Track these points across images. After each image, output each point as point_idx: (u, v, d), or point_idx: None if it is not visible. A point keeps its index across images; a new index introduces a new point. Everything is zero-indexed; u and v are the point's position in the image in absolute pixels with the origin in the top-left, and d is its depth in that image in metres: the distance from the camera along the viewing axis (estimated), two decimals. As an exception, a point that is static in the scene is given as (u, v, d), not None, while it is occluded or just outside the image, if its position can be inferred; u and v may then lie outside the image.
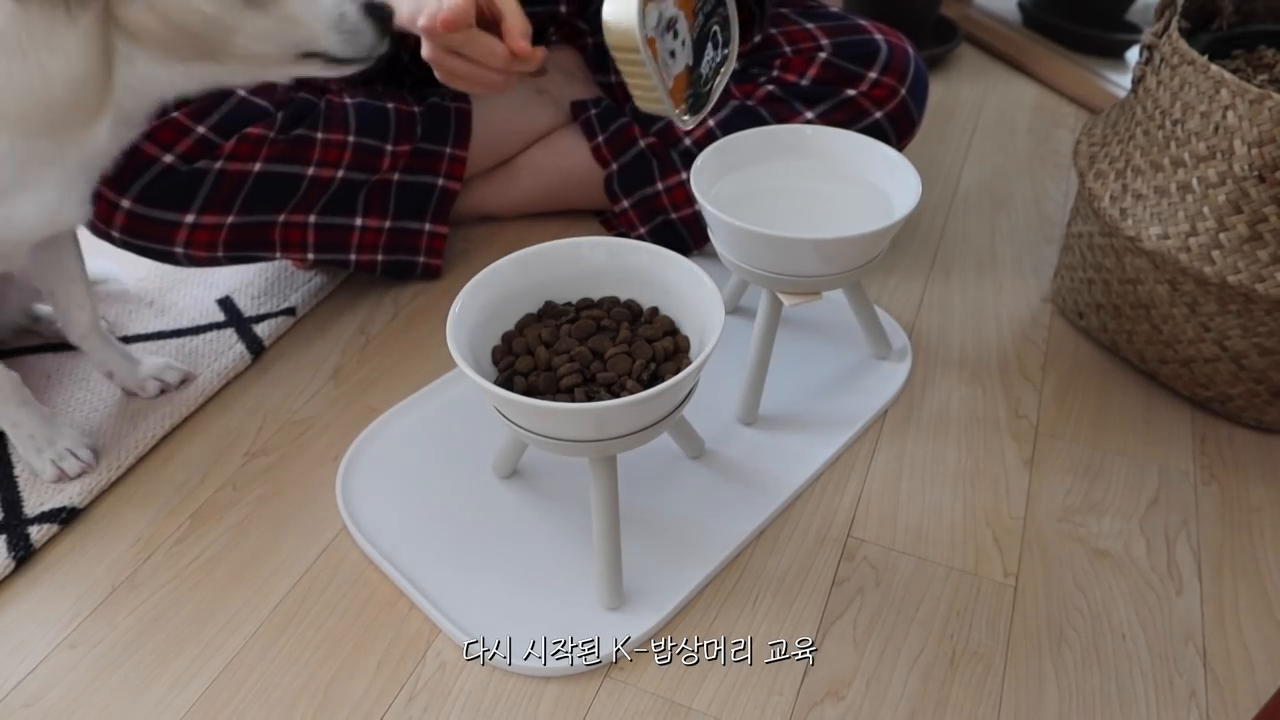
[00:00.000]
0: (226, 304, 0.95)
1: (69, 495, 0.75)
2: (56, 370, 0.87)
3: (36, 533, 0.72)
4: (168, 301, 0.96)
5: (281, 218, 0.88)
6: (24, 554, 0.71)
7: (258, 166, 0.85)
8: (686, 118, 0.55)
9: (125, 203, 0.81)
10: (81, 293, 0.79)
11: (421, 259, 0.98)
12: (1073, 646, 0.66)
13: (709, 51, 0.56)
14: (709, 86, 0.55)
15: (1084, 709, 0.63)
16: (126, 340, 0.91)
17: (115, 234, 0.83)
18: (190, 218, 0.84)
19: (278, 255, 0.91)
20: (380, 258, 0.95)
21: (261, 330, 0.91)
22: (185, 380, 0.85)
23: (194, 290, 0.97)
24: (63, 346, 0.89)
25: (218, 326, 0.92)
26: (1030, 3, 1.48)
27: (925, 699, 0.63)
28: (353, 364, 0.90)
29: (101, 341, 0.82)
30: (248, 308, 0.94)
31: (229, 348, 0.89)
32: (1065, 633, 0.67)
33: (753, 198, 0.78)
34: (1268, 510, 0.76)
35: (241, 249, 0.88)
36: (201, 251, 0.86)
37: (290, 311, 0.94)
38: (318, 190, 0.89)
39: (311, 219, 0.90)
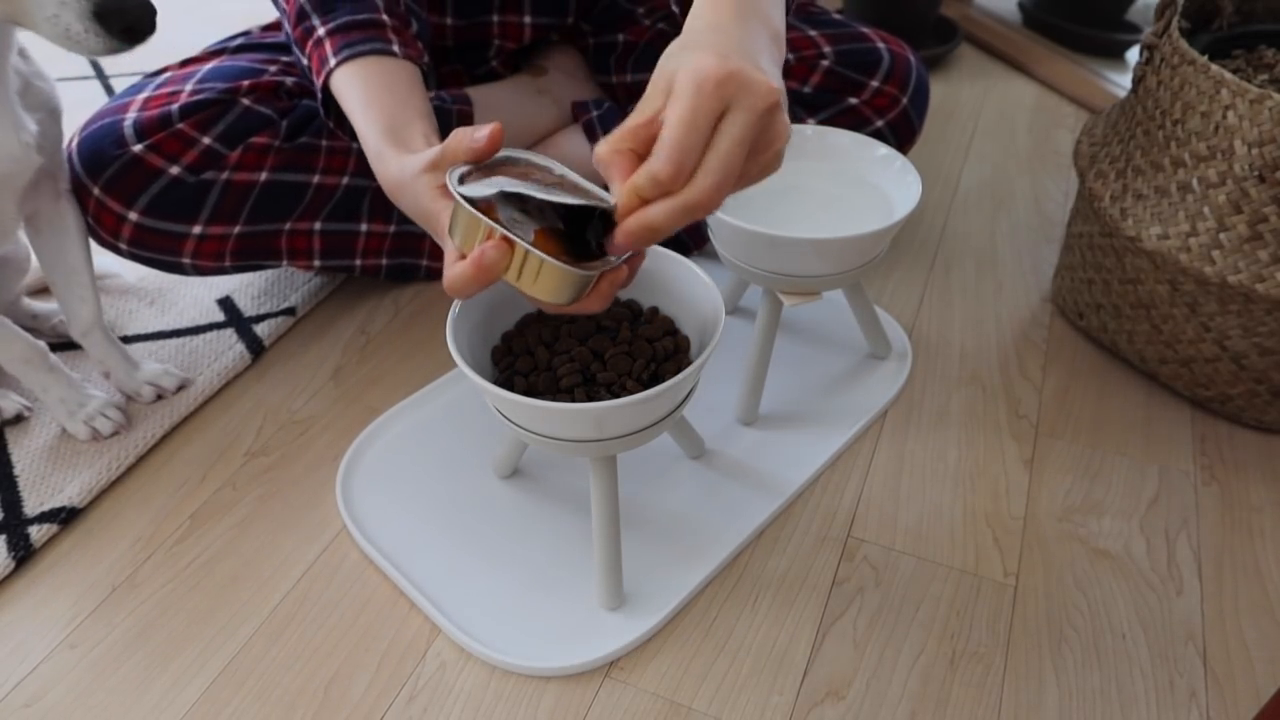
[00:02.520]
0: (226, 304, 0.95)
1: (69, 495, 0.75)
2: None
3: (36, 533, 0.72)
4: (168, 301, 0.96)
5: (288, 225, 0.88)
6: (24, 554, 0.71)
7: (264, 176, 0.85)
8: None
9: (132, 215, 0.81)
10: (84, 286, 0.79)
11: (425, 262, 0.98)
12: (1073, 646, 0.66)
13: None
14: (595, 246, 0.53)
15: (1084, 709, 0.63)
16: (126, 340, 0.91)
17: (123, 246, 0.83)
18: (197, 229, 0.84)
19: (284, 263, 0.91)
20: (385, 262, 0.95)
21: (261, 330, 0.91)
22: (182, 386, 0.85)
23: (194, 290, 0.97)
24: (61, 345, 0.89)
25: (218, 326, 0.92)
26: (1030, 3, 1.48)
27: (925, 699, 0.63)
28: (353, 364, 0.90)
29: (103, 339, 0.82)
30: (248, 308, 0.94)
31: (229, 348, 0.89)
32: (1065, 633, 0.67)
33: (753, 198, 0.78)
34: (1268, 510, 0.76)
35: (248, 258, 0.88)
36: (209, 262, 0.86)
37: (290, 311, 0.94)
38: (323, 197, 0.89)
39: (317, 226, 0.90)
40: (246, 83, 0.86)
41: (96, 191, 0.80)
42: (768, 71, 0.49)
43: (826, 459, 0.79)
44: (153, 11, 0.60)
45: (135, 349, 0.89)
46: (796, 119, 0.94)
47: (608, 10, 1.02)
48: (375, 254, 0.94)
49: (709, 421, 0.81)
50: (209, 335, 0.91)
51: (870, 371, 0.87)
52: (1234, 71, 0.82)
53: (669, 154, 0.46)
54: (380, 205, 0.93)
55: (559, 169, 0.55)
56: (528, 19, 0.95)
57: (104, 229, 0.81)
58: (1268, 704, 0.57)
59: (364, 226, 0.93)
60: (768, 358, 0.79)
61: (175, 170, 0.81)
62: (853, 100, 0.93)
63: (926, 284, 0.99)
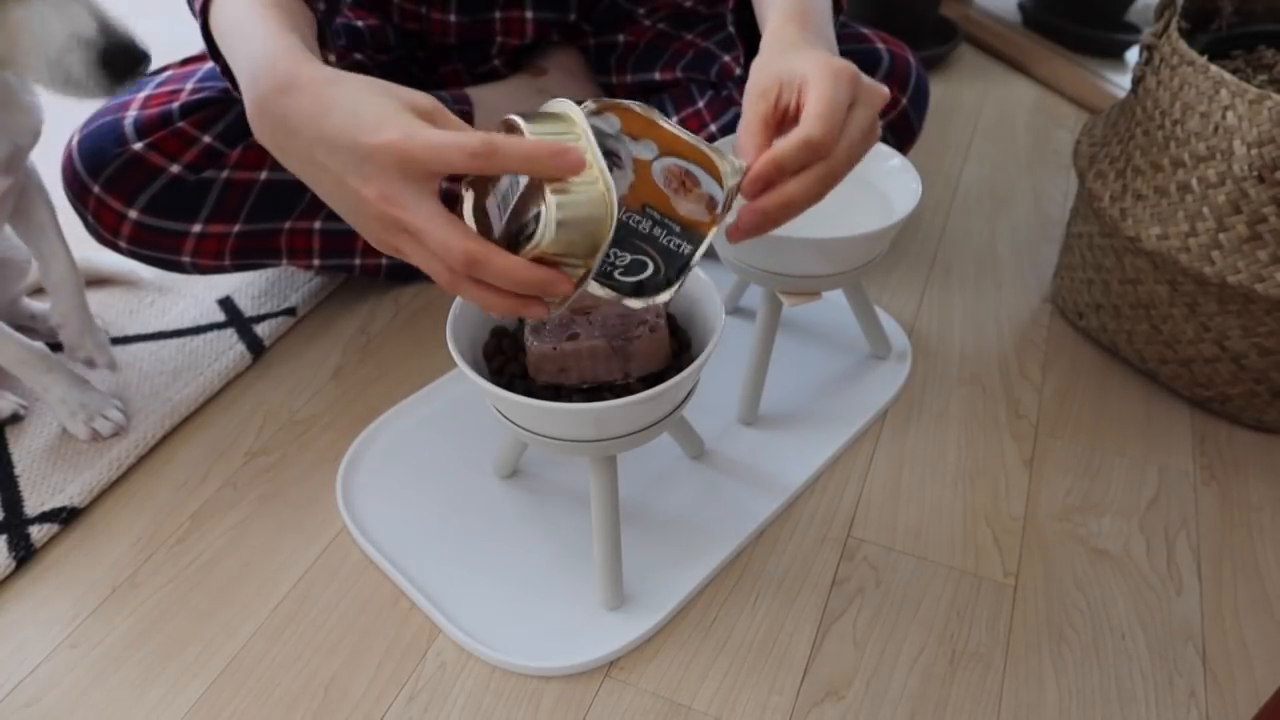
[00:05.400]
0: (227, 304, 0.95)
1: (69, 495, 0.75)
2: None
3: (37, 533, 0.72)
4: (168, 301, 0.96)
5: (287, 224, 0.88)
6: (25, 554, 0.71)
7: (264, 175, 0.85)
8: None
9: (132, 214, 0.81)
10: (53, 241, 0.78)
11: None
12: (1072, 646, 0.67)
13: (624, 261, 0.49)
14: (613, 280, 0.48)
15: (1084, 709, 0.63)
16: (126, 340, 0.91)
17: (122, 244, 0.83)
18: (197, 227, 0.84)
19: (284, 262, 0.91)
20: (384, 261, 0.95)
21: (262, 330, 0.91)
22: (116, 433, 0.81)
23: (194, 290, 0.97)
24: (60, 345, 0.89)
25: (218, 326, 0.92)
26: (1030, 3, 1.48)
27: (925, 699, 0.63)
28: (353, 364, 0.90)
29: (72, 297, 0.79)
30: (248, 307, 0.94)
31: (229, 347, 0.89)
32: (1065, 632, 0.67)
33: (753, 198, 0.78)
34: (1267, 510, 0.76)
35: (248, 257, 0.88)
36: (208, 260, 0.86)
37: (291, 311, 0.94)
38: None
39: (317, 225, 0.90)
40: None
41: (97, 190, 0.80)
42: None
43: (826, 459, 0.79)
44: (149, 57, 0.62)
45: (136, 349, 0.89)
46: None
47: (609, 10, 1.02)
48: (375, 253, 0.94)
49: (709, 421, 0.81)
50: (209, 335, 0.91)
51: (870, 371, 0.87)
52: (1233, 72, 0.82)
53: (822, 123, 0.50)
54: None
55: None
56: (530, 14, 0.96)
57: (104, 227, 0.81)
58: (1267, 703, 0.57)
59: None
60: (768, 358, 0.79)
61: (175, 169, 0.81)
62: None
63: (926, 284, 0.99)
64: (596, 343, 0.58)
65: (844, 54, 0.92)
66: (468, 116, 0.97)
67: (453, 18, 0.94)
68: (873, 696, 0.63)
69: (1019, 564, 0.72)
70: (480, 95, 0.98)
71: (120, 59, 0.60)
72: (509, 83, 1.02)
